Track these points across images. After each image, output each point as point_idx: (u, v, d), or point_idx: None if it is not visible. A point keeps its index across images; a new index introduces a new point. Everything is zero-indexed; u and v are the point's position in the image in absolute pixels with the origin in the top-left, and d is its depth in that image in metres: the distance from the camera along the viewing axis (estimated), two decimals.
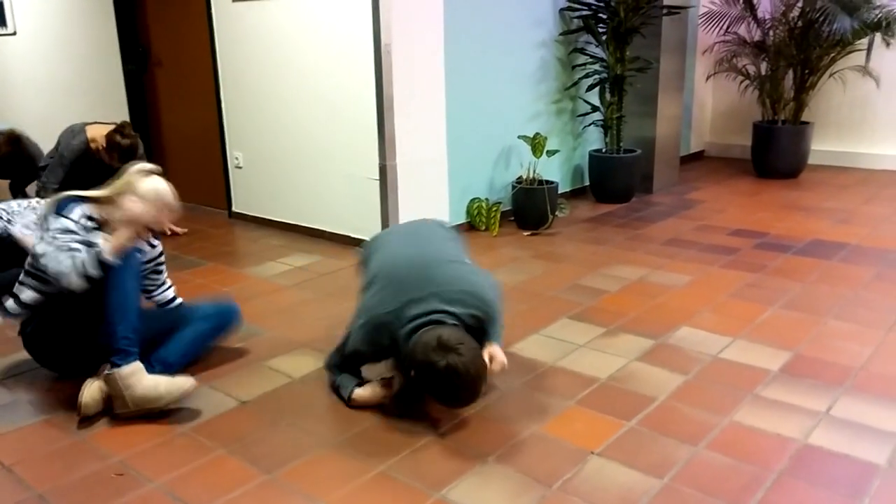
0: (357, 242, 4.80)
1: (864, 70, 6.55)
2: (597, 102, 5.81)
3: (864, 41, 6.27)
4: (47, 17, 6.97)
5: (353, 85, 4.57)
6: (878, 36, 6.18)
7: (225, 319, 3.19)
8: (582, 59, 5.77)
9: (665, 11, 5.71)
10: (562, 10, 5.60)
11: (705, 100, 7.72)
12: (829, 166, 7.07)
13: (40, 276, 2.77)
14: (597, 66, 5.71)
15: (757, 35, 6.59)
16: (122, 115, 6.34)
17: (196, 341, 3.05)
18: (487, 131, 5.19)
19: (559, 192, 5.42)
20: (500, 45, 5.13)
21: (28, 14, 7.19)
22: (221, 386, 2.94)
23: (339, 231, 4.93)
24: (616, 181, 5.85)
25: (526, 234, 5.06)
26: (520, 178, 5.30)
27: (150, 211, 2.79)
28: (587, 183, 6.14)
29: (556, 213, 5.11)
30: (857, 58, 6.50)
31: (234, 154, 5.54)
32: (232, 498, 2.22)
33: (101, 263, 2.65)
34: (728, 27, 6.69)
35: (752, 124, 6.80)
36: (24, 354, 3.26)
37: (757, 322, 3.43)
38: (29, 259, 2.81)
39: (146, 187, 2.80)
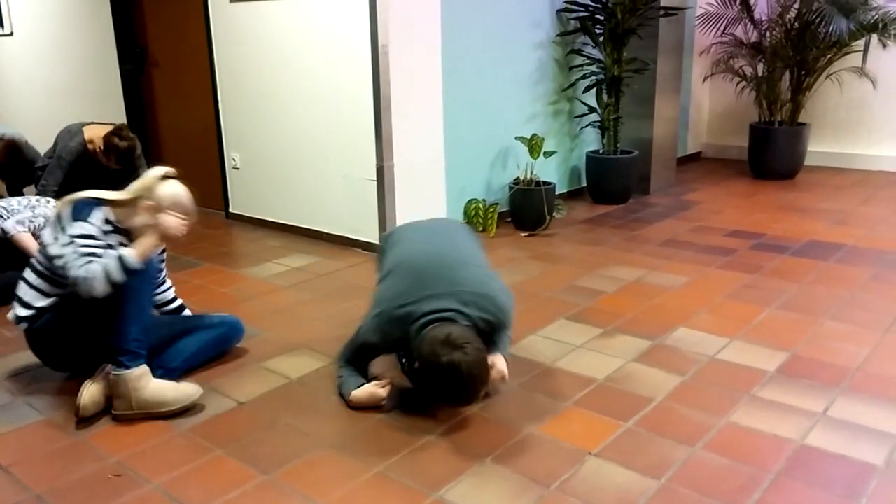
0: (355, 243, 4.81)
1: (861, 71, 6.56)
2: (594, 104, 5.81)
3: (861, 42, 6.28)
4: (44, 17, 6.97)
5: (350, 85, 4.57)
6: (874, 37, 6.19)
7: (228, 332, 3.22)
8: (579, 60, 5.78)
9: (662, 13, 5.72)
10: (559, 11, 5.61)
11: (702, 101, 7.73)
12: (825, 167, 7.08)
13: (53, 279, 2.75)
14: (594, 68, 5.72)
15: (754, 36, 6.60)
16: (120, 115, 6.34)
17: (198, 351, 3.06)
18: (485, 132, 5.20)
19: (556, 193, 5.42)
20: (497, 47, 5.13)
21: (24, 15, 7.18)
22: (219, 387, 2.94)
23: (336, 232, 4.93)
24: (613, 182, 5.86)
25: (523, 234, 5.06)
26: (517, 178, 5.31)
27: (169, 217, 2.81)
28: (584, 184, 6.15)
29: (554, 213, 5.11)
30: (854, 59, 6.52)
31: (232, 155, 5.54)
32: (230, 499, 2.22)
33: (127, 270, 2.66)
34: (725, 28, 6.70)
35: (749, 125, 6.81)
36: (22, 355, 3.27)
37: (754, 323, 3.43)
38: (39, 261, 2.79)
39: (166, 192, 2.81)
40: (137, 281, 2.70)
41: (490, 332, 2.64)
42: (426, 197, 4.83)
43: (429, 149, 4.77)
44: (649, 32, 5.73)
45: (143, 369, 2.70)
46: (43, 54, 7.14)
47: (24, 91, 7.56)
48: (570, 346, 3.24)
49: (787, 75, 6.56)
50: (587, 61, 5.71)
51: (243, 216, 5.58)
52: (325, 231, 4.99)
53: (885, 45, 6.27)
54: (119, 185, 2.92)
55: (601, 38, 5.64)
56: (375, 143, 4.51)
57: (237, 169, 5.52)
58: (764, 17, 6.51)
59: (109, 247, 2.72)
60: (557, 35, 5.64)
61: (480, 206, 5.10)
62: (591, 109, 5.82)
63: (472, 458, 2.40)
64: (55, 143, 4.80)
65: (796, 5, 6.31)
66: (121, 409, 2.68)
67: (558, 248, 4.70)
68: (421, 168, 4.74)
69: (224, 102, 5.46)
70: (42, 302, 2.77)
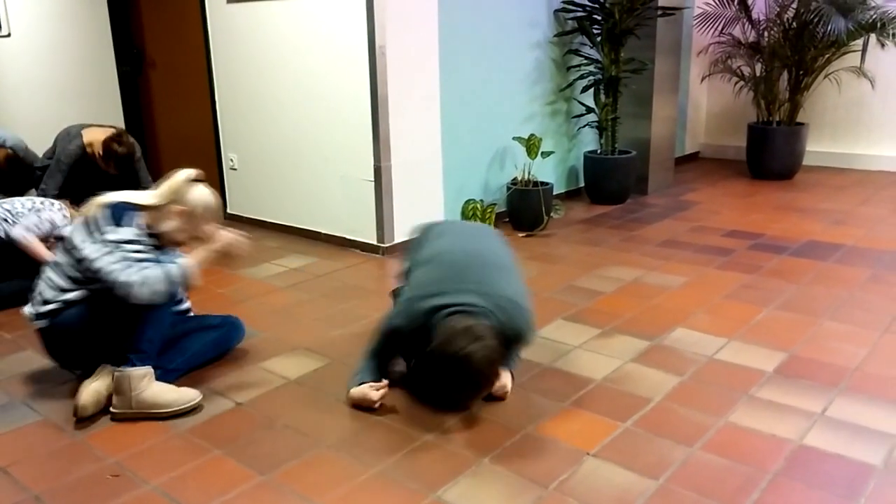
0: (352, 244, 4.81)
1: (860, 71, 6.56)
2: (591, 104, 5.81)
3: (859, 42, 6.28)
4: (41, 18, 6.96)
5: (347, 86, 4.57)
6: (873, 37, 6.19)
7: (229, 333, 3.22)
8: (577, 60, 5.77)
9: (660, 13, 5.72)
10: (556, 11, 5.60)
11: (700, 101, 7.73)
12: (824, 167, 7.08)
13: (77, 278, 2.75)
14: (591, 68, 5.71)
15: (752, 36, 6.60)
16: (117, 116, 6.34)
17: (198, 352, 3.06)
18: (482, 132, 5.19)
19: (554, 193, 5.42)
20: (494, 47, 5.13)
21: (22, 16, 7.17)
22: (217, 387, 2.94)
23: (334, 232, 4.92)
24: (611, 182, 5.86)
25: (521, 235, 5.06)
26: (515, 179, 5.30)
27: (199, 222, 2.85)
28: (582, 184, 6.15)
29: (551, 214, 5.11)
30: (853, 59, 6.52)
31: (229, 156, 5.53)
32: (228, 499, 2.22)
33: (185, 279, 2.73)
34: (723, 28, 6.70)
35: (747, 125, 6.81)
36: (21, 355, 3.27)
37: (752, 323, 3.43)
38: (63, 260, 2.77)
39: (196, 197, 2.84)
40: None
41: (507, 343, 2.63)
42: (424, 197, 4.83)
43: (426, 149, 4.77)
44: (647, 32, 5.74)
45: (147, 370, 2.70)
46: (40, 55, 7.13)
47: (21, 92, 7.56)
48: (569, 346, 3.24)
49: (785, 75, 6.56)
50: (585, 61, 5.71)
51: (241, 217, 5.58)
52: (323, 231, 4.99)
53: (883, 45, 6.27)
54: (120, 188, 2.92)
55: (599, 39, 5.64)
56: (373, 144, 4.51)
57: (234, 170, 5.52)
58: (762, 17, 6.51)
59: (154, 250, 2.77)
60: (555, 35, 5.63)
61: (478, 206, 5.09)
62: (589, 110, 5.82)
63: (471, 458, 2.40)
64: (54, 145, 4.79)
65: (794, 5, 6.31)
66: (119, 408, 2.68)
67: (556, 249, 4.70)
68: (418, 168, 4.74)
69: (221, 103, 5.46)
70: (66, 296, 2.75)
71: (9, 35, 7.39)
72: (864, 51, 6.36)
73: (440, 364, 2.46)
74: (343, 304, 3.84)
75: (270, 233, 5.25)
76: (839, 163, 7.08)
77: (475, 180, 5.23)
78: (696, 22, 6.91)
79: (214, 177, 5.70)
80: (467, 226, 3.12)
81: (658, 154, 6.22)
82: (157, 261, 2.74)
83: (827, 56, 6.42)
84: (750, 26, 6.56)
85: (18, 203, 3.96)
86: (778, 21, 6.40)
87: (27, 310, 2.83)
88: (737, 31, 6.70)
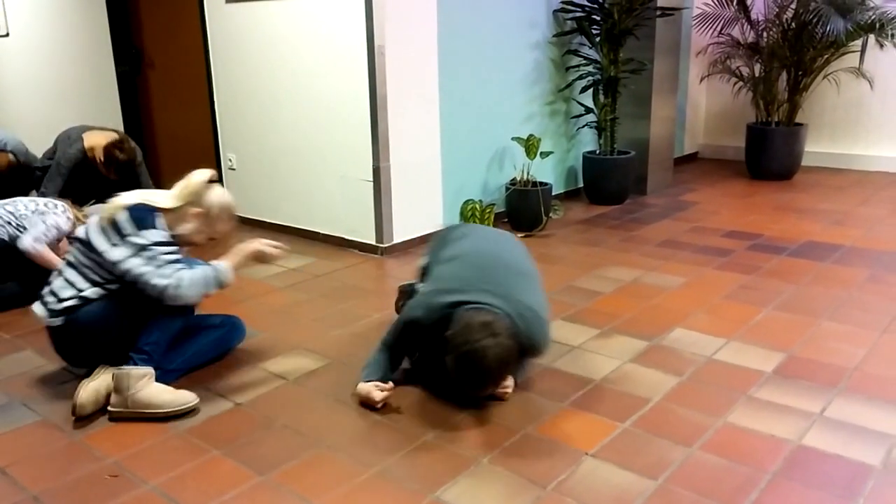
0: (351, 244, 4.80)
1: (858, 72, 6.57)
2: (590, 104, 5.81)
3: (858, 43, 6.28)
4: (40, 18, 6.96)
5: (346, 86, 4.57)
6: (871, 37, 6.19)
7: (229, 333, 3.23)
8: (576, 60, 5.78)
9: (659, 13, 5.72)
10: (555, 11, 5.61)
11: (699, 101, 7.74)
12: (823, 168, 7.08)
13: (94, 277, 2.75)
14: (590, 68, 5.72)
15: (751, 37, 6.60)
16: (115, 116, 6.34)
17: (198, 353, 3.06)
18: (481, 133, 5.19)
19: (553, 193, 5.43)
20: (493, 47, 5.13)
21: (20, 15, 7.17)
22: (216, 387, 2.93)
23: (332, 233, 4.92)
24: (610, 183, 5.86)
25: (520, 235, 5.06)
26: (513, 179, 5.31)
27: (216, 223, 2.91)
28: (581, 184, 6.15)
29: (550, 214, 5.11)
30: (851, 59, 6.52)
31: (228, 156, 5.53)
32: (226, 499, 2.22)
33: (221, 282, 2.80)
34: (722, 29, 6.70)
35: (746, 126, 6.81)
36: (18, 355, 3.27)
37: (751, 323, 3.43)
38: (80, 261, 2.77)
39: (214, 199, 2.89)
40: None
41: (522, 351, 2.63)
42: (423, 197, 4.83)
43: (425, 149, 4.77)
44: (646, 33, 5.74)
45: (148, 370, 2.70)
46: (39, 55, 7.13)
47: (20, 92, 7.55)
48: (567, 346, 3.24)
49: (784, 76, 6.57)
50: (584, 62, 5.71)
51: (240, 217, 5.57)
52: (322, 232, 4.99)
53: (882, 46, 6.27)
54: (120, 191, 2.93)
55: (598, 39, 5.64)
56: (372, 144, 4.51)
57: (233, 170, 5.52)
58: (761, 18, 6.52)
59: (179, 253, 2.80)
60: (554, 35, 5.63)
61: (477, 206, 5.09)
62: (588, 110, 5.82)
63: (469, 458, 2.40)
64: (54, 146, 4.78)
65: (793, 5, 6.31)
66: (116, 406, 2.68)
67: (555, 249, 4.70)
68: (417, 169, 4.75)
69: (220, 103, 5.46)
70: (83, 295, 2.74)
71: (7, 35, 7.39)
72: (862, 51, 6.36)
73: (453, 352, 2.47)
74: (342, 305, 3.84)
75: (269, 233, 5.24)
76: (838, 163, 7.09)
77: (474, 180, 5.23)
78: (695, 22, 6.92)
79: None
80: (492, 231, 3.13)
81: (657, 154, 6.22)
82: (188, 262, 2.80)
83: (826, 57, 6.42)
84: (749, 27, 6.56)
85: (21, 205, 3.92)
86: (777, 21, 6.40)
87: (38, 309, 2.81)
88: (736, 32, 6.71)
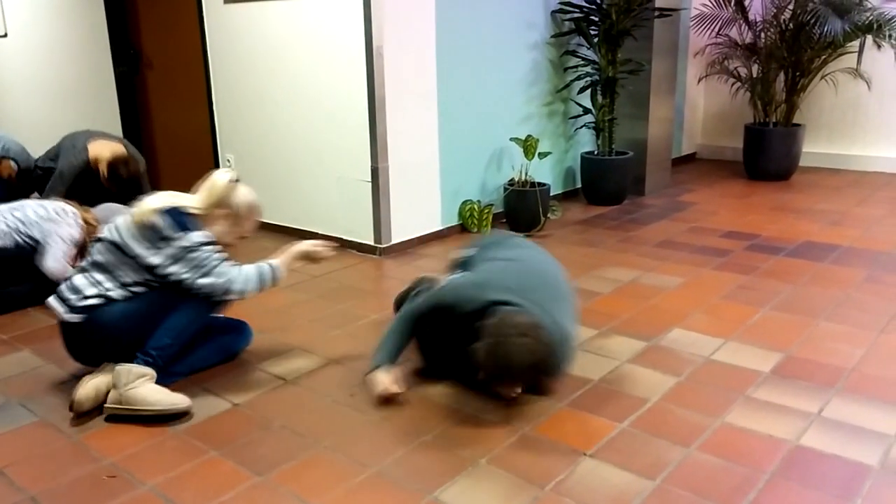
0: (349, 245, 4.80)
1: (856, 72, 6.58)
2: (588, 105, 5.82)
3: (856, 43, 6.29)
4: (38, 18, 6.95)
5: (345, 87, 4.57)
6: (869, 38, 6.20)
7: (234, 340, 3.22)
8: (574, 61, 5.78)
9: (657, 14, 5.72)
10: (553, 12, 5.61)
11: (697, 102, 7.74)
12: (820, 168, 7.09)
13: (132, 284, 2.77)
14: (588, 69, 5.72)
15: (748, 37, 6.61)
16: (114, 116, 6.33)
17: (202, 359, 3.06)
18: (479, 133, 5.19)
19: (551, 194, 5.43)
20: (491, 48, 5.13)
21: (19, 16, 7.17)
22: (214, 388, 2.93)
23: (331, 233, 4.92)
24: (608, 183, 5.86)
25: (518, 236, 5.05)
26: (512, 180, 5.31)
27: (244, 223, 2.98)
28: (579, 185, 6.15)
29: (548, 215, 5.11)
30: (849, 60, 6.53)
31: (226, 156, 5.53)
32: (224, 500, 2.21)
33: (275, 281, 2.92)
34: (719, 29, 6.71)
35: (744, 126, 6.81)
36: (17, 355, 3.26)
37: (749, 324, 3.43)
38: (112, 264, 2.77)
39: (241, 199, 2.94)
40: (197, 300, 2.80)
41: (546, 366, 2.65)
42: (421, 198, 4.83)
43: (423, 150, 4.77)
44: (644, 33, 5.74)
45: (147, 371, 2.70)
46: (37, 55, 7.13)
47: (18, 92, 7.55)
48: None
49: (781, 76, 6.57)
50: (582, 62, 5.71)
51: None
52: (320, 232, 4.99)
53: (879, 46, 6.28)
54: (121, 200, 2.94)
55: (596, 40, 5.64)
56: (370, 145, 4.51)
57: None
58: (758, 18, 6.52)
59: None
60: (552, 36, 5.64)
61: (475, 207, 5.10)
62: (586, 110, 5.82)
63: (467, 459, 2.40)
64: (59, 149, 4.76)
65: (791, 6, 6.31)
66: (110, 402, 2.68)
67: (553, 250, 4.70)
68: (416, 169, 4.75)
69: (218, 104, 5.46)
70: (108, 294, 2.74)
71: (5, 35, 7.39)
72: (860, 52, 6.37)
73: (488, 338, 2.49)
74: (340, 305, 3.84)
75: (267, 233, 5.24)
76: (835, 164, 7.09)
77: (472, 181, 5.23)
78: (692, 23, 6.92)
79: None
80: (542, 251, 3.14)
81: (655, 155, 6.22)
82: (235, 262, 2.86)
83: (823, 57, 6.43)
84: (747, 27, 6.57)
85: (31, 210, 3.83)
86: (774, 22, 6.40)
87: (56, 304, 2.79)
88: (733, 33, 6.71)
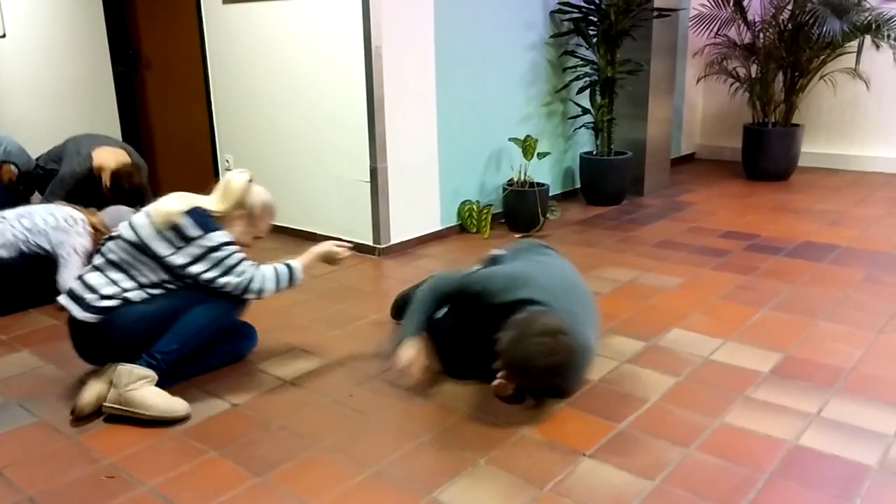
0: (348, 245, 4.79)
1: (855, 72, 6.58)
2: (587, 105, 5.82)
3: (854, 43, 6.30)
4: (37, 19, 6.95)
5: (343, 87, 4.57)
6: (867, 38, 6.20)
7: (240, 344, 3.20)
8: (572, 61, 5.78)
9: (655, 14, 5.72)
10: (552, 12, 5.61)
11: (696, 102, 7.74)
12: (819, 168, 7.09)
13: (151, 286, 2.77)
14: (587, 69, 5.72)
15: (747, 37, 6.61)
16: (113, 117, 6.33)
17: (206, 365, 3.05)
18: (478, 133, 5.19)
19: (550, 194, 5.43)
20: (490, 48, 5.13)
21: (18, 16, 7.16)
22: (213, 388, 2.93)
23: (330, 233, 4.92)
24: (607, 183, 5.86)
25: (517, 236, 5.06)
26: (511, 180, 5.31)
27: (261, 223, 3.01)
28: (578, 185, 6.15)
29: (547, 215, 5.11)
30: (848, 60, 6.53)
31: (225, 157, 5.53)
32: (223, 501, 2.21)
33: (292, 282, 2.93)
34: (718, 30, 6.71)
35: (743, 126, 6.81)
36: (15, 356, 3.26)
37: (748, 324, 3.44)
38: (130, 264, 2.77)
39: (257, 200, 2.97)
40: (212, 304, 2.81)
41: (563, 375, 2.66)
42: (420, 198, 4.83)
43: (422, 150, 4.77)
44: (643, 34, 5.74)
45: (148, 373, 2.68)
46: (36, 56, 7.12)
47: (16, 93, 7.54)
48: None
49: (780, 76, 6.57)
50: (581, 63, 5.71)
51: None
52: (319, 233, 4.99)
53: (878, 47, 6.29)
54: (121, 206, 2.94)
55: (594, 40, 5.64)
56: (369, 145, 4.51)
57: (230, 171, 5.50)
58: (757, 19, 6.52)
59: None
60: (551, 36, 5.64)
61: (474, 207, 5.10)
62: (585, 111, 5.82)
63: (466, 459, 2.40)
64: (63, 151, 4.74)
65: (790, 6, 6.32)
66: (109, 401, 2.67)
67: None
68: (414, 169, 4.75)
69: (217, 104, 5.45)
70: (126, 295, 2.73)
71: (4, 36, 7.38)
72: (859, 52, 6.37)
73: (514, 331, 2.49)
74: (339, 305, 3.84)
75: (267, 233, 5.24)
76: (834, 164, 7.09)
77: (471, 181, 5.23)
78: (691, 23, 6.92)
79: (210, 178, 5.70)
80: (566, 260, 3.13)
81: (654, 155, 6.22)
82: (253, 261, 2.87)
83: (822, 57, 6.43)
84: (745, 28, 6.57)
85: (39, 218, 3.76)
86: (773, 22, 6.41)
87: (71, 304, 2.76)
88: (732, 33, 6.71)
